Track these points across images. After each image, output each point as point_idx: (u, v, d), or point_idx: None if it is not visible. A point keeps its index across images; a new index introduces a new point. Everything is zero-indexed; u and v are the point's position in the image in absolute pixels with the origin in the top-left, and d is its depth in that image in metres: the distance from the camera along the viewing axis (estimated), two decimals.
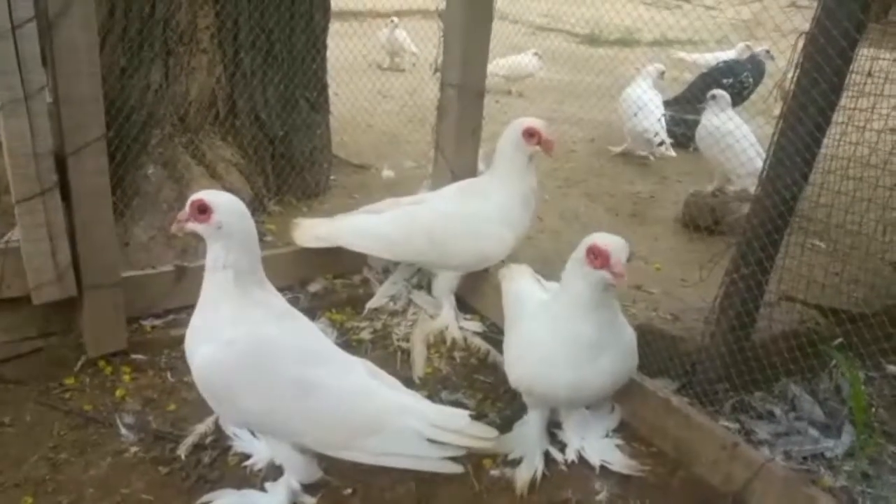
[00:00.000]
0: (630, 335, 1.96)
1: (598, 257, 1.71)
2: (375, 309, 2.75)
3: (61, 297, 2.17)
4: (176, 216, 1.69)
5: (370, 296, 2.81)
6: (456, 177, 2.78)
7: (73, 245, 2.15)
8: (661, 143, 4.80)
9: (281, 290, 2.56)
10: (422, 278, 2.86)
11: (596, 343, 1.84)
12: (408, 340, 2.58)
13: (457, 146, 2.81)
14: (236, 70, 3.53)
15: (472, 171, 2.85)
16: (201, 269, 2.52)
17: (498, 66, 6.45)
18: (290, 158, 3.80)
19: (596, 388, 1.91)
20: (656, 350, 2.26)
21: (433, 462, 1.75)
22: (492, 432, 1.82)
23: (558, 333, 1.86)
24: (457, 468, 1.77)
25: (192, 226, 1.65)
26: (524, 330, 2.01)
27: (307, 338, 1.81)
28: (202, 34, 3.42)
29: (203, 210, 1.62)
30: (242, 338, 1.66)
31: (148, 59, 3.25)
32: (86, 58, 2.05)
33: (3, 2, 1.90)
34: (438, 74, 2.83)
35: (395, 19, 7.50)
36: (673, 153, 4.88)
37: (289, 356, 1.72)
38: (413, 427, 1.73)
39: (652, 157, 4.96)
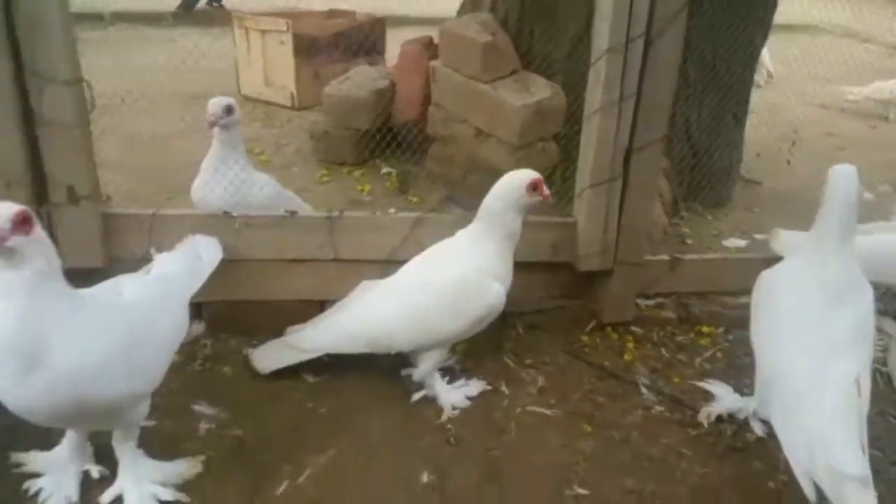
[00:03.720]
0: None
1: None
2: None
3: (600, 269, 2.58)
4: None
5: None
6: None
7: (618, 226, 2.54)
8: None
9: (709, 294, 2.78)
10: (888, 304, 2.85)
11: None
12: (884, 364, 2.61)
13: None
14: (683, 83, 3.79)
15: None
16: (690, 262, 2.80)
17: (879, 89, 6.03)
18: (710, 169, 4.00)
19: None
20: None
21: None
22: None
23: None
24: None
25: None
26: None
27: None
28: None
29: None
30: None
31: None
32: (670, 71, 2.41)
33: (623, 20, 2.31)
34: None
35: None
36: None
37: None
38: None
39: None
